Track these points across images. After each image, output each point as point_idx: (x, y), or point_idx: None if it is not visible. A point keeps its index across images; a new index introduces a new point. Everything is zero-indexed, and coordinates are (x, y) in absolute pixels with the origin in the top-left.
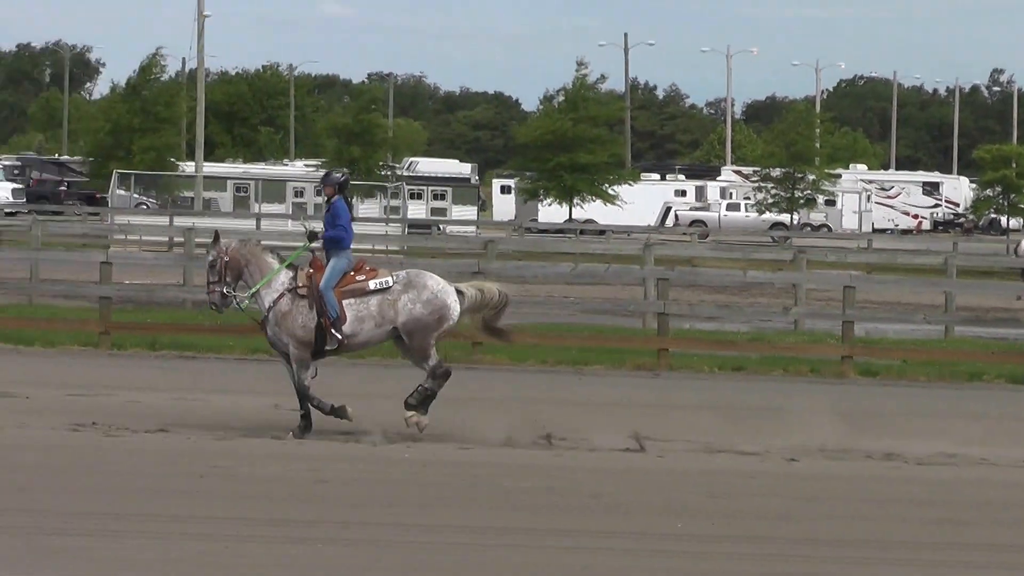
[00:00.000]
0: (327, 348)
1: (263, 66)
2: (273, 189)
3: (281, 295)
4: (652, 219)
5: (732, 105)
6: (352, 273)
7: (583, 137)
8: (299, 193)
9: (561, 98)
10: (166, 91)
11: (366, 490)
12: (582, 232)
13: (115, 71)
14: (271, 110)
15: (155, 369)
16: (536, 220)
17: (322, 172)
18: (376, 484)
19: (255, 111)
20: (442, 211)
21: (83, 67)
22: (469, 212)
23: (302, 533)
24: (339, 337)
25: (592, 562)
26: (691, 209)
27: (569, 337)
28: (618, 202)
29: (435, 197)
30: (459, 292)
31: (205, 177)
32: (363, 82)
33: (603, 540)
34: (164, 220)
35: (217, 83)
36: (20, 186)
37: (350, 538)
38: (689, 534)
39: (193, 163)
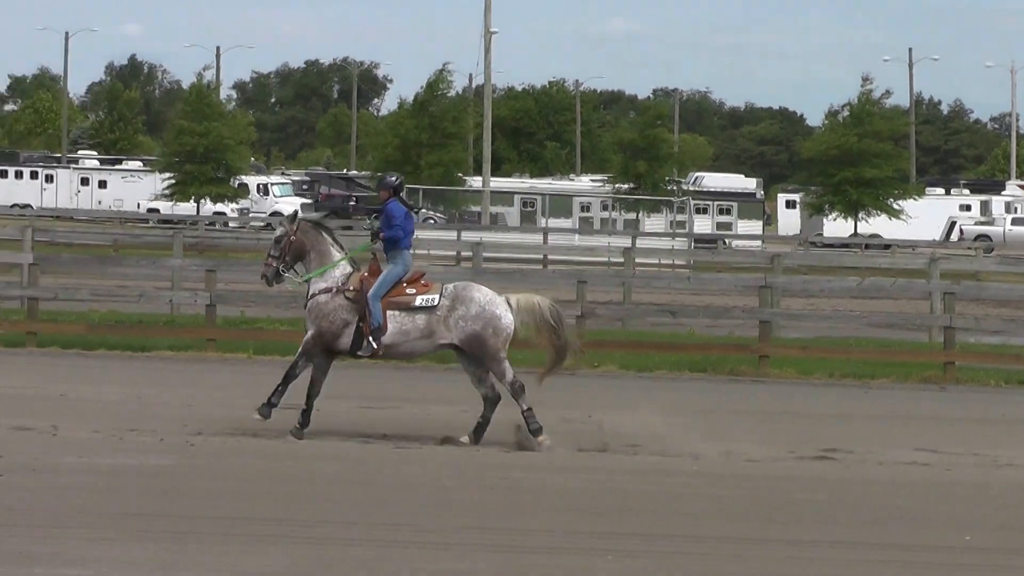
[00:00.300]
0: (359, 353)
1: (549, 82)
2: (560, 204)
3: (327, 289)
4: (936, 234)
5: (1017, 120)
6: (404, 284)
7: (868, 152)
8: (585, 208)
9: (846, 113)
10: (453, 107)
11: (662, 502)
12: (867, 246)
13: (402, 87)
14: (557, 125)
15: (444, 383)
16: (821, 234)
17: (607, 186)
18: (671, 497)
19: (541, 126)
20: (727, 226)
21: (370, 83)
22: (754, 227)
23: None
24: (375, 347)
25: (880, 573)
26: (976, 224)
27: (855, 351)
28: (903, 216)
29: (720, 212)
30: (508, 302)
31: (492, 192)
32: (648, 97)
33: (890, 553)
34: (452, 235)
35: (503, 99)
36: (309, 201)
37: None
38: (977, 547)
39: (480, 178)
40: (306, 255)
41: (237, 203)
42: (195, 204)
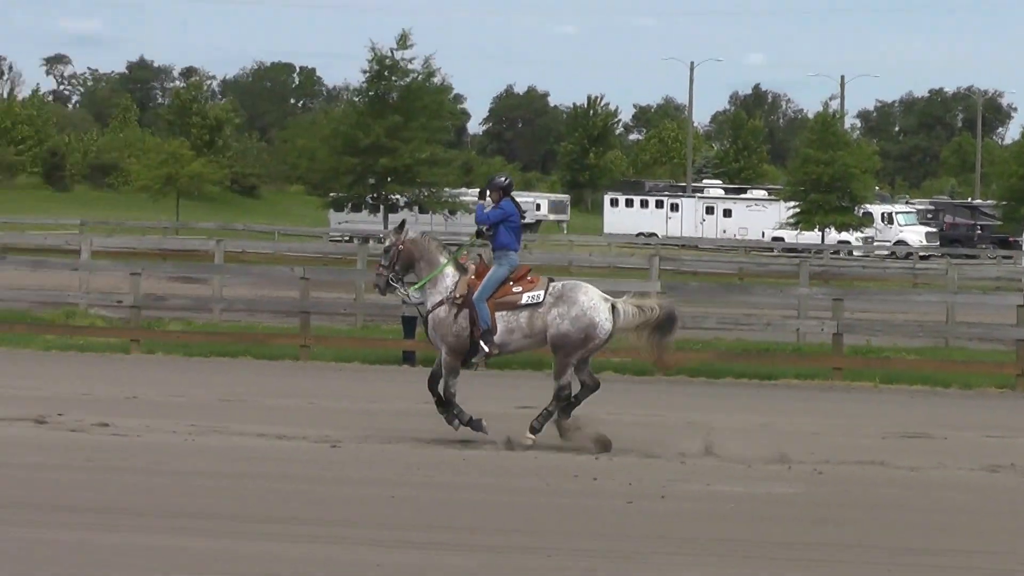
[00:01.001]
0: (473, 360)
1: None
2: None
3: (442, 301)
4: None
5: None
6: (510, 283)
7: None
8: None
9: None
10: None
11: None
12: None
13: None
14: None
15: None
16: None
17: None
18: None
19: None
20: None
21: (995, 112)
22: None
23: None
24: (487, 349)
25: None
26: None
27: None
28: None
29: None
30: (614, 308)
31: None
32: None
33: None
34: None
35: None
36: (933, 230)
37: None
38: None
39: None
40: (415, 264)
41: (862, 232)
42: (819, 233)
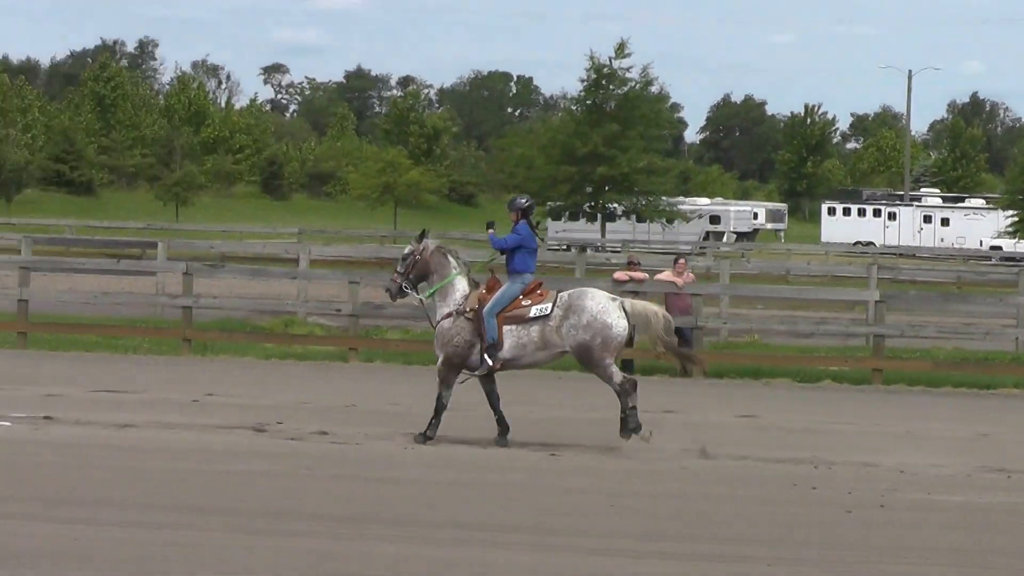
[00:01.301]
0: (476, 373)
1: None
2: None
3: (449, 314)
4: None
5: None
6: (520, 297)
7: None
8: None
9: None
10: None
11: None
12: None
13: None
14: None
15: None
16: None
17: None
18: None
19: None
20: None
21: None
22: None
23: None
24: (489, 363)
25: None
26: None
27: None
28: None
29: None
30: (623, 307)
31: None
32: None
33: None
34: None
35: None
36: None
37: None
38: None
39: None
40: (429, 275)
41: None
42: None
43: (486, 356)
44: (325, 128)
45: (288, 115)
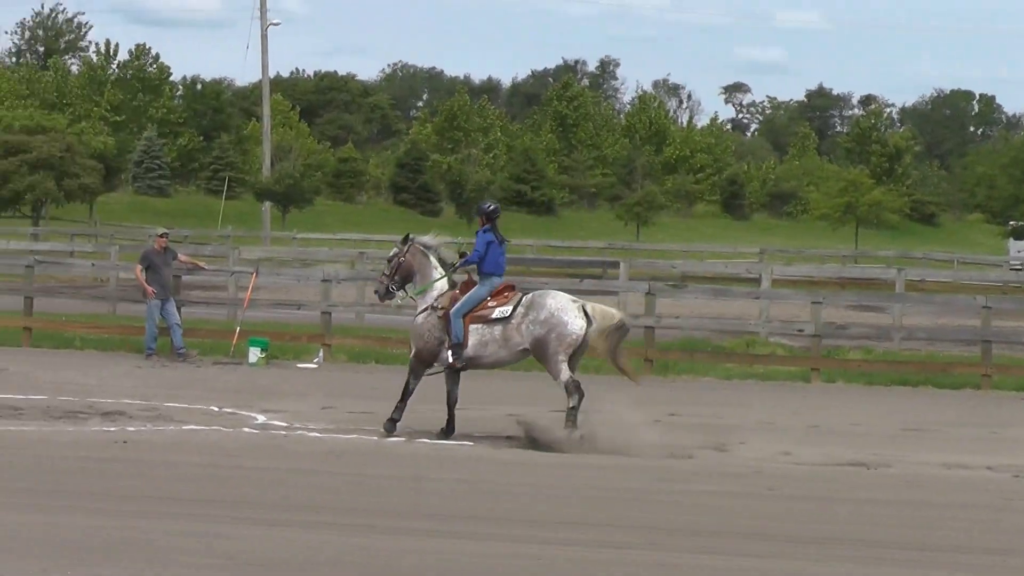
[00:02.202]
0: (435, 366)
1: None
2: None
3: (425, 310)
4: None
5: None
6: (488, 299)
7: None
8: None
9: None
10: None
11: None
12: None
13: None
14: None
15: None
16: None
17: None
18: None
19: None
20: None
21: None
22: None
23: None
24: (450, 360)
25: None
26: None
27: None
28: None
29: None
30: (584, 309)
31: None
32: None
33: None
34: None
35: None
36: None
37: None
38: None
39: None
40: (413, 276)
41: None
42: None
43: (449, 353)
44: (786, 147)
45: (749, 134)
